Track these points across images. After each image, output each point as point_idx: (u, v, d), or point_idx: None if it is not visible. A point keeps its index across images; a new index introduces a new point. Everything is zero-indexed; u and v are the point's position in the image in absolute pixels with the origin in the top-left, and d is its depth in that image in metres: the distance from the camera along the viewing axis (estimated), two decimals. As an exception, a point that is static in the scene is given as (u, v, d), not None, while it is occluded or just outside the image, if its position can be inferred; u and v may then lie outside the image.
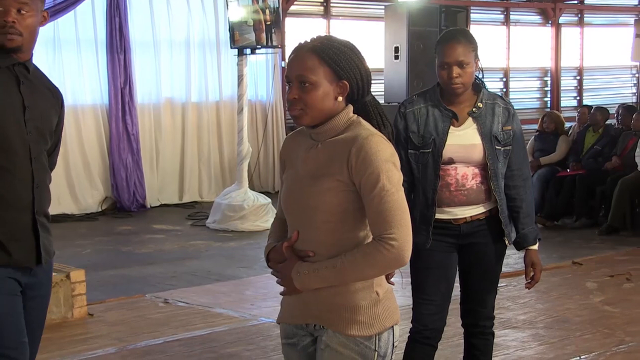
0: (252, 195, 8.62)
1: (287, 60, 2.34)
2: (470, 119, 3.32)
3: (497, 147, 3.31)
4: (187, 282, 6.40)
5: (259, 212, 8.46)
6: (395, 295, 2.38)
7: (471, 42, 3.28)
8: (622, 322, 5.25)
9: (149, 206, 9.73)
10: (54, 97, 2.89)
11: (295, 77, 2.25)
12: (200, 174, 10.33)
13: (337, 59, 2.23)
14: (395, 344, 2.32)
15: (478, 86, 3.35)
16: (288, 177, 2.36)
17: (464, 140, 3.30)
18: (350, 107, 2.30)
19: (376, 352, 2.27)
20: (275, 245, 2.37)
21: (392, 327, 2.30)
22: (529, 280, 3.49)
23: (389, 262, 2.17)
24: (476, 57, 3.29)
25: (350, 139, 2.22)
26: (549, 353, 4.70)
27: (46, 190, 2.84)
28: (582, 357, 4.62)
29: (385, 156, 2.19)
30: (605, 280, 6.33)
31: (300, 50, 2.27)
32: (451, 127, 3.30)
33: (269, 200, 8.68)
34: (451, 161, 3.31)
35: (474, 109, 3.31)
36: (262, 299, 5.83)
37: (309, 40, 2.29)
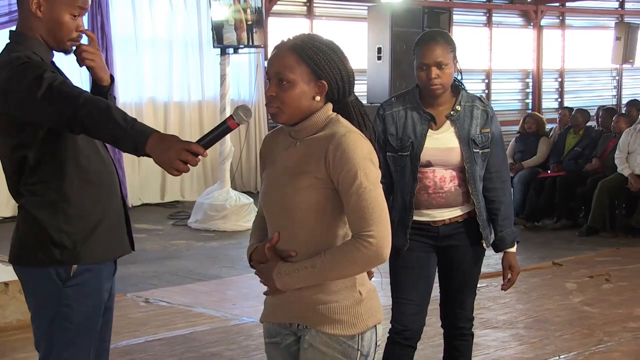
0: (234, 195, 8.62)
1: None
2: (448, 122, 3.32)
3: (474, 150, 3.31)
4: (169, 281, 6.38)
5: (241, 212, 8.46)
6: (376, 294, 2.39)
7: (449, 44, 3.28)
8: (601, 322, 5.30)
9: (130, 205, 9.68)
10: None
11: (274, 74, 2.26)
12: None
13: (317, 58, 2.23)
14: (378, 343, 2.33)
15: (457, 88, 3.35)
16: (268, 176, 2.37)
17: (441, 143, 3.31)
18: (330, 105, 2.29)
19: (359, 352, 2.27)
20: (257, 245, 2.37)
21: (375, 326, 2.31)
22: (506, 282, 3.51)
23: (368, 260, 2.17)
24: (455, 58, 3.29)
25: (328, 137, 2.23)
26: (528, 353, 4.73)
27: None
28: (561, 356, 4.66)
29: (363, 153, 2.19)
30: (584, 281, 6.37)
31: (281, 47, 2.27)
32: (429, 130, 3.31)
33: (251, 200, 8.67)
34: (429, 164, 3.31)
35: (452, 112, 3.31)
36: (243, 299, 5.83)
37: (291, 38, 2.29)
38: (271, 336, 2.41)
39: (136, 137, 2.32)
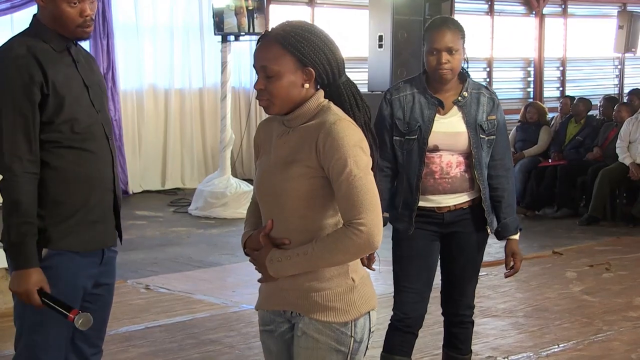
0: (234, 183, 8.61)
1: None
2: (455, 108, 3.34)
3: (481, 136, 3.34)
4: (169, 268, 6.39)
5: (241, 199, 8.46)
6: (372, 281, 2.40)
7: (460, 30, 3.30)
8: (601, 312, 5.31)
9: (131, 192, 9.70)
10: (95, 64, 2.85)
11: (260, 67, 2.24)
12: (182, 160, 10.30)
13: (300, 46, 2.20)
14: (372, 330, 2.33)
15: (463, 75, 3.37)
16: (261, 163, 2.37)
17: (449, 128, 3.32)
18: (321, 92, 2.28)
19: (352, 338, 2.27)
20: (251, 233, 2.36)
21: (369, 312, 2.31)
22: (509, 270, 3.51)
23: (360, 247, 2.17)
24: (464, 45, 3.30)
25: (318, 125, 2.22)
26: (527, 341, 4.74)
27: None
28: (560, 345, 4.66)
29: (353, 141, 2.18)
30: (584, 270, 6.38)
31: (263, 39, 2.26)
32: (437, 114, 3.32)
33: (252, 187, 8.63)
34: (436, 148, 3.32)
35: (459, 98, 3.33)
36: (243, 286, 5.84)
37: (272, 29, 2.26)
38: (265, 324, 2.41)
39: (14, 256, 2.56)
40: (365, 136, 2.25)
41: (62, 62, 2.65)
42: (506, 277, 3.57)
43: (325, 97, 2.28)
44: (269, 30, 2.26)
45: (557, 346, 4.65)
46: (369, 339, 2.32)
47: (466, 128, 3.31)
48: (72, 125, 2.61)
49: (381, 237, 2.18)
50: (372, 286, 2.37)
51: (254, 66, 2.28)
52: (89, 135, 2.66)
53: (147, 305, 5.35)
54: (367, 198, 2.16)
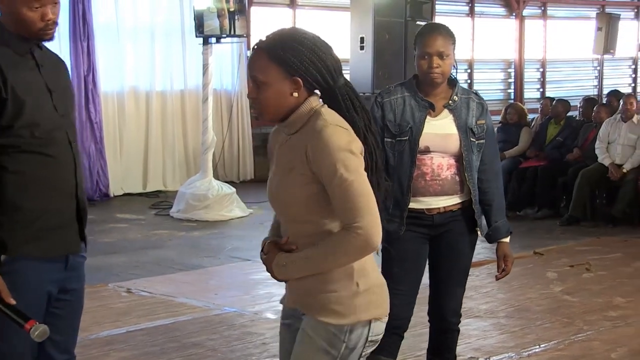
0: (216, 185, 8.60)
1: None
2: (446, 111, 3.39)
3: (471, 139, 3.39)
4: (151, 271, 6.36)
5: (224, 202, 8.44)
6: (383, 290, 2.37)
7: (451, 36, 3.38)
8: (581, 312, 5.34)
9: (112, 195, 9.65)
10: (64, 68, 2.82)
11: (251, 77, 2.31)
12: (164, 163, 10.27)
13: (285, 56, 2.23)
14: (370, 339, 2.31)
15: (453, 81, 3.44)
16: (270, 171, 2.42)
17: (440, 129, 3.37)
18: (314, 98, 2.29)
19: (345, 344, 2.27)
20: (267, 239, 2.44)
21: (370, 321, 2.30)
22: (500, 272, 3.55)
23: (359, 249, 2.21)
24: (454, 51, 3.37)
25: (307, 132, 2.25)
26: (509, 342, 4.76)
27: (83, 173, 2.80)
28: (541, 345, 4.69)
29: (340, 145, 2.19)
30: (565, 270, 6.42)
31: (254, 49, 2.31)
32: (427, 116, 3.37)
33: (234, 190, 8.65)
34: (427, 150, 3.36)
35: (450, 102, 3.39)
36: (226, 289, 5.82)
37: (264, 39, 2.30)
38: (284, 317, 2.49)
39: None
40: (366, 138, 2.27)
41: (24, 66, 2.62)
42: (497, 279, 3.62)
43: (324, 102, 2.30)
44: (262, 39, 2.30)
45: (538, 346, 4.67)
46: (364, 348, 2.31)
47: (457, 130, 3.37)
48: (32, 130, 2.59)
49: (380, 236, 2.21)
50: (385, 296, 2.36)
51: (247, 74, 2.35)
52: (50, 140, 2.63)
53: (129, 309, 5.33)
54: (362, 201, 2.18)
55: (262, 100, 2.27)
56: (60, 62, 2.83)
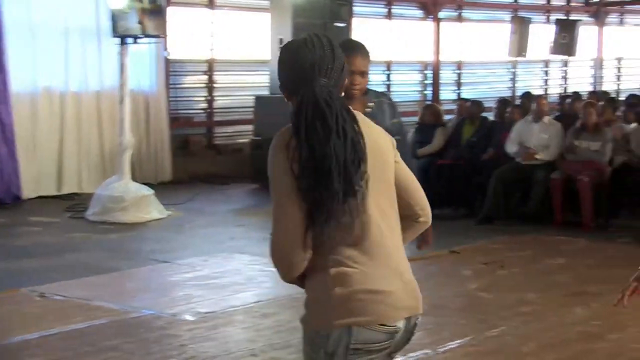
0: (134, 187, 8.48)
1: None
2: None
3: None
4: (65, 275, 6.22)
5: (141, 204, 8.33)
6: (374, 297, 2.29)
7: (369, 55, 3.64)
8: (495, 308, 5.48)
9: (25, 198, 9.40)
10: None
11: None
12: (79, 164, 10.06)
13: (278, 69, 2.34)
14: (354, 347, 2.25)
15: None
16: None
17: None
18: (292, 103, 2.27)
19: (322, 349, 2.25)
20: None
21: (351, 327, 2.24)
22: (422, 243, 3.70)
23: (271, 255, 2.27)
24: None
25: None
26: (425, 338, 4.83)
27: None
28: (456, 341, 4.79)
29: (270, 165, 2.25)
30: (480, 268, 6.57)
31: None
32: None
33: (152, 191, 8.54)
34: None
35: (367, 109, 3.60)
36: (143, 291, 5.75)
37: None
38: None
39: None
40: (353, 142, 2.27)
41: None
42: (418, 248, 3.77)
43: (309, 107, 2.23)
44: None
45: (453, 342, 4.77)
46: (347, 356, 2.25)
47: None
48: None
49: (279, 256, 2.25)
50: (372, 303, 2.27)
51: None
52: None
53: (43, 313, 5.21)
54: (275, 224, 2.25)
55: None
56: None
